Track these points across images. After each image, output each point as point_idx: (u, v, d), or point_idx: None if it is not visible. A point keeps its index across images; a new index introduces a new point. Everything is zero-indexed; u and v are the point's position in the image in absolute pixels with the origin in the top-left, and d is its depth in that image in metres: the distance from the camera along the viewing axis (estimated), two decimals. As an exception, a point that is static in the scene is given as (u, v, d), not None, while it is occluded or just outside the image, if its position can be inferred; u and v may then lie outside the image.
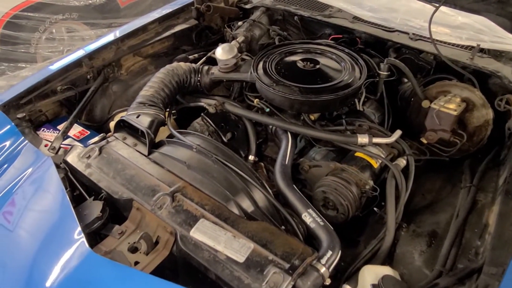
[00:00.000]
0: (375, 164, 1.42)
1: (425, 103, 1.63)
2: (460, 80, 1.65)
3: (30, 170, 1.44)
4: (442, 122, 1.51)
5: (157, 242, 1.16)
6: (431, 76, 1.75)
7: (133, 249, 1.14)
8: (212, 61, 1.87)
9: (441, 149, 1.60)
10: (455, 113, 1.48)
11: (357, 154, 1.45)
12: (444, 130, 1.52)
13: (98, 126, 1.84)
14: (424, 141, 1.59)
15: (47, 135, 1.69)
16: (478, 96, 1.56)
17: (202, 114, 1.63)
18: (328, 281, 1.04)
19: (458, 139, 1.55)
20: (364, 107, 1.73)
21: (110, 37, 1.94)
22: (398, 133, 1.46)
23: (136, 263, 1.10)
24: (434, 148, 1.61)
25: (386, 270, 1.11)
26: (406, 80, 1.81)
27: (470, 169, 1.47)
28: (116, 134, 1.47)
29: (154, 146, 1.44)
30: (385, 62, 1.65)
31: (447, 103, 1.51)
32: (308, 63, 1.61)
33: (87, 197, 1.31)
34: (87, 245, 1.10)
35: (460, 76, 1.66)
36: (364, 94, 1.71)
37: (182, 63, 1.73)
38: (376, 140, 1.42)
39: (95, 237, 1.21)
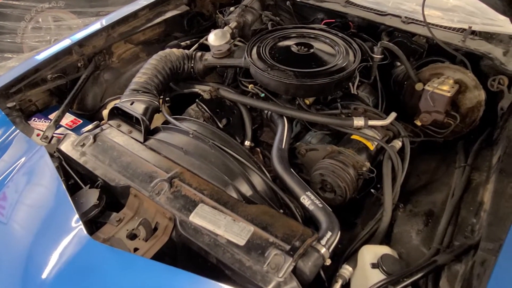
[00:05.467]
0: (371, 147, 1.43)
1: (418, 86, 1.64)
2: (452, 62, 1.66)
3: (23, 159, 1.42)
4: (436, 103, 1.52)
5: (156, 228, 1.15)
6: (424, 59, 1.76)
7: (132, 236, 1.13)
8: (205, 48, 1.84)
9: (435, 131, 1.61)
10: (448, 94, 1.50)
11: (353, 137, 1.45)
12: (438, 112, 1.53)
13: (90, 115, 1.81)
14: (418, 123, 1.60)
15: (39, 124, 1.66)
16: (470, 77, 1.58)
17: (197, 100, 1.62)
18: (328, 262, 1.05)
19: (452, 120, 1.56)
20: (358, 91, 1.74)
21: (100, 24, 1.90)
22: (393, 115, 1.47)
23: (136, 249, 1.09)
24: (428, 130, 1.62)
25: (385, 250, 1.12)
26: (399, 63, 1.83)
27: (464, 150, 1.49)
28: (110, 122, 1.45)
29: (149, 133, 1.43)
30: (378, 45, 1.65)
31: (441, 85, 1.53)
32: (302, 47, 1.61)
33: (83, 186, 1.30)
34: (85, 232, 1.09)
35: (452, 58, 1.67)
36: (358, 78, 1.72)
37: (175, 49, 1.70)
38: (371, 122, 1.43)
39: (92, 225, 1.20)
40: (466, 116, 1.61)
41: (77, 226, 1.12)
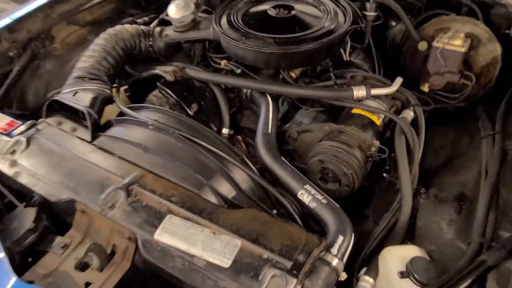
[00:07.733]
0: (378, 121, 1.22)
1: (422, 45, 1.46)
2: (458, 14, 1.46)
3: None
4: (448, 62, 1.33)
5: (113, 253, 0.94)
6: (424, 14, 1.56)
7: (82, 266, 0.93)
8: (166, 24, 1.58)
9: (445, 97, 1.40)
10: (463, 49, 1.31)
11: (354, 111, 1.26)
12: (451, 72, 1.34)
13: (33, 114, 1.52)
14: (426, 89, 1.40)
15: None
16: (483, 29, 1.38)
17: (157, 83, 1.38)
18: (343, 276, 0.84)
19: (467, 81, 1.35)
20: (350, 58, 1.54)
21: (35, 4, 1.59)
22: (399, 80, 1.27)
23: (87, 284, 0.89)
24: (438, 96, 1.41)
25: (413, 250, 0.90)
26: (394, 23, 1.64)
27: (486, 115, 1.27)
28: (48, 119, 1.20)
29: (99, 129, 1.19)
30: (371, 1, 1.43)
31: (452, 40, 1.32)
32: (281, 9, 1.43)
33: (19, 204, 1.05)
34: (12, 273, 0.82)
35: (456, 10, 1.47)
36: (349, 43, 1.53)
37: (127, 26, 1.48)
38: (375, 91, 1.22)
39: (28, 257, 0.95)
40: (480, 75, 1.41)
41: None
